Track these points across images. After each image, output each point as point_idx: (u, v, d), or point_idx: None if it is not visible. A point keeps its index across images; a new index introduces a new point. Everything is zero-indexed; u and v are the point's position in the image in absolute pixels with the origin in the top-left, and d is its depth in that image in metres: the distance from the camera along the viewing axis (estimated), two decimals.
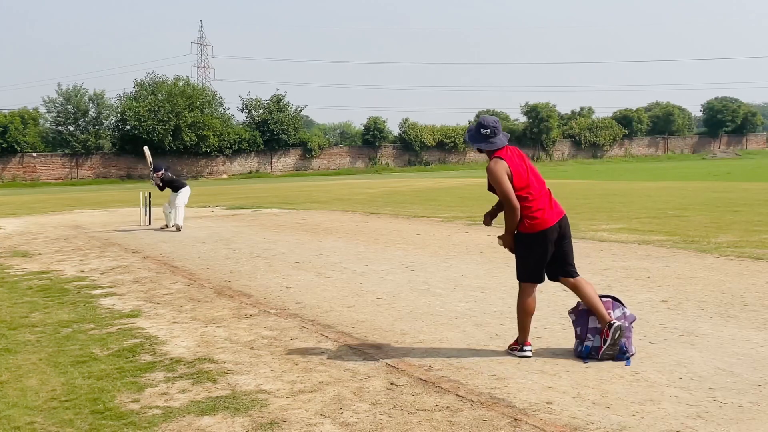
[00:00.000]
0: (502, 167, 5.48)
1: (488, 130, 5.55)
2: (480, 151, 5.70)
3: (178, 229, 16.01)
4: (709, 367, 5.13)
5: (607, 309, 5.54)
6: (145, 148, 19.04)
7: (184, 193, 16.68)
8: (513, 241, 5.63)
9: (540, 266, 5.61)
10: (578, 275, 5.68)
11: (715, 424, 4.11)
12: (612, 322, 5.37)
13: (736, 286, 7.99)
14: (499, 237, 5.73)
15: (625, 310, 5.60)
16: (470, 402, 4.58)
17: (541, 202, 5.53)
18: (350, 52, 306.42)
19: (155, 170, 16.83)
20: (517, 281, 5.74)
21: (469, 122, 79.89)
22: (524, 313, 5.62)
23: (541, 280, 5.67)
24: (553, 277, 5.70)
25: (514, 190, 5.46)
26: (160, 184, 16.77)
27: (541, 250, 5.56)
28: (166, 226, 16.58)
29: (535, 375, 5.12)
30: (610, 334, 5.33)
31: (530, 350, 5.56)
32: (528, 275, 5.64)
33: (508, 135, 5.74)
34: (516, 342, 5.65)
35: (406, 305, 7.55)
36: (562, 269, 5.65)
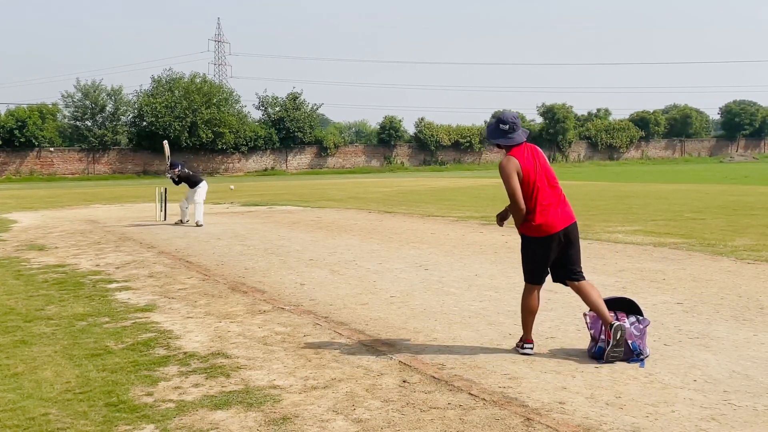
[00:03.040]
0: (513, 165, 5.51)
1: (507, 126, 5.55)
2: (498, 147, 5.69)
3: (198, 225, 16.16)
4: (724, 370, 5.10)
5: (621, 319, 5.50)
6: (165, 142, 19.23)
7: (202, 188, 16.85)
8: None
9: (541, 270, 5.66)
10: (584, 279, 5.65)
11: (729, 426, 4.09)
12: (612, 323, 5.35)
13: (752, 289, 7.94)
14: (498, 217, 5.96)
15: (639, 316, 5.57)
16: (483, 401, 4.58)
17: (548, 206, 5.53)
18: (367, 50, 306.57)
19: (172, 167, 16.98)
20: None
21: (485, 122, 79.81)
22: (526, 312, 5.70)
23: (541, 282, 5.72)
24: (559, 280, 5.72)
25: (523, 190, 5.50)
26: (176, 180, 16.92)
27: (542, 254, 5.61)
28: (181, 221, 16.72)
29: (548, 375, 5.11)
30: (612, 335, 5.31)
31: (531, 348, 5.61)
32: (529, 277, 5.73)
33: (528, 132, 5.74)
34: (520, 339, 5.72)
35: (420, 304, 7.55)
36: (567, 273, 5.65)
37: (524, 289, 5.76)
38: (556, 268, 5.67)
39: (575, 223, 5.64)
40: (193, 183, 16.91)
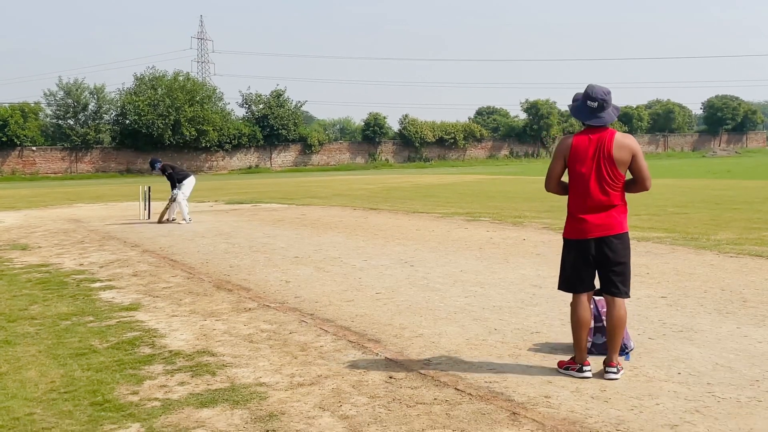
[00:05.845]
0: (562, 148, 5.08)
1: (595, 103, 4.98)
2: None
3: (170, 221, 16.29)
4: (708, 363, 5.14)
5: (602, 308, 5.43)
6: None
7: (187, 185, 16.71)
8: None
9: (574, 276, 5.08)
10: (620, 296, 5.03)
11: (713, 418, 4.12)
12: (613, 365, 4.94)
13: (735, 282, 8.00)
14: None
15: None
16: (469, 396, 4.59)
17: (579, 207, 5.00)
18: (351, 47, 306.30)
19: (152, 167, 17.11)
20: None
21: (472, 117, 79.79)
22: (573, 326, 5.07)
23: (577, 291, 5.08)
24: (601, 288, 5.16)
25: (570, 180, 5.07)
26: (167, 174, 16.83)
27: (572, 259, 5.08)
28: (188, 219, 16.51)
29: (533, 369, 5.13)
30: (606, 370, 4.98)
31: (590, 370, 4.95)
32: (561, 282, 5.22)
33: (617, 111, 5.12)
34: (572, 360, 5.08)
35: (405, 300, 7.55)
36: (602, 282, 5.11)
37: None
38: (599, 274, 5.10)
39: (614, 236, 4.98)
40: (180, 178, 16.75)
